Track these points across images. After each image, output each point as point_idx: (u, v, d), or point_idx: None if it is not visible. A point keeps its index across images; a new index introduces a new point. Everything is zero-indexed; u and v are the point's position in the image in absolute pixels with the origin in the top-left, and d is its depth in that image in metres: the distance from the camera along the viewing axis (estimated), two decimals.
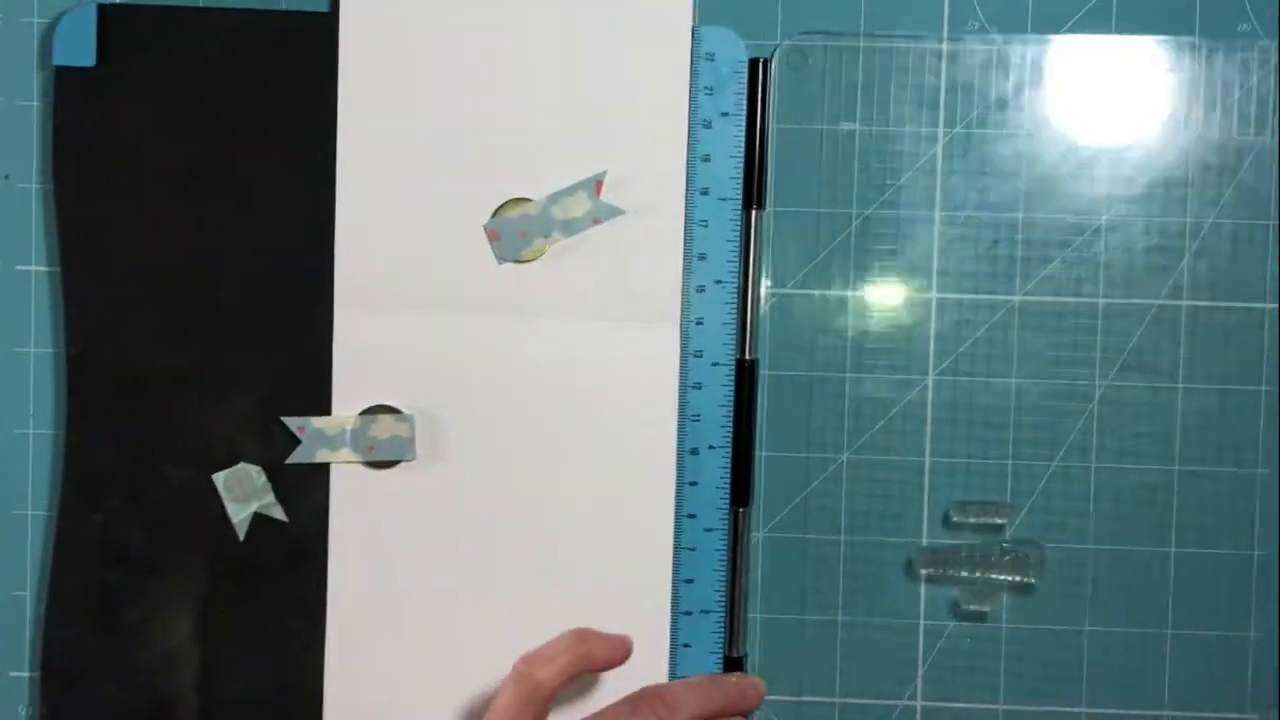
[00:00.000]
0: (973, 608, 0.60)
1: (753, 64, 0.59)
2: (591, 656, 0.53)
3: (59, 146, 0.58)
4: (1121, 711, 0.60)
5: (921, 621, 0.60)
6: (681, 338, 0.59)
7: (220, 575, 0.59)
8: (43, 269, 0.60)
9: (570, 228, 0.58)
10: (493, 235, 0.58)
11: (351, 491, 0.59)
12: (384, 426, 0.59)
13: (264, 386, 0.59)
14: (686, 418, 0.59)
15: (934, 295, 0.60)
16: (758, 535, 0.60)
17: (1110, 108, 0.59)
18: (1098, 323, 0.59)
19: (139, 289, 0.59)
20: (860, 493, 0.60)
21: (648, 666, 0.58)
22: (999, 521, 0.59)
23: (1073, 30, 0.59)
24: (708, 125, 0.59)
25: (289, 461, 0.59)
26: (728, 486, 0.59)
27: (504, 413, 0.59)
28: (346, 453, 0.59)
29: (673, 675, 0.59)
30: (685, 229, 0.59)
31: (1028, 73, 0.59)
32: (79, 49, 0.58)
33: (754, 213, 0.59)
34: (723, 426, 0.59)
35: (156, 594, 0.59)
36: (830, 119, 0.60)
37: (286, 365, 0.59)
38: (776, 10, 0.60)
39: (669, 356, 0.59)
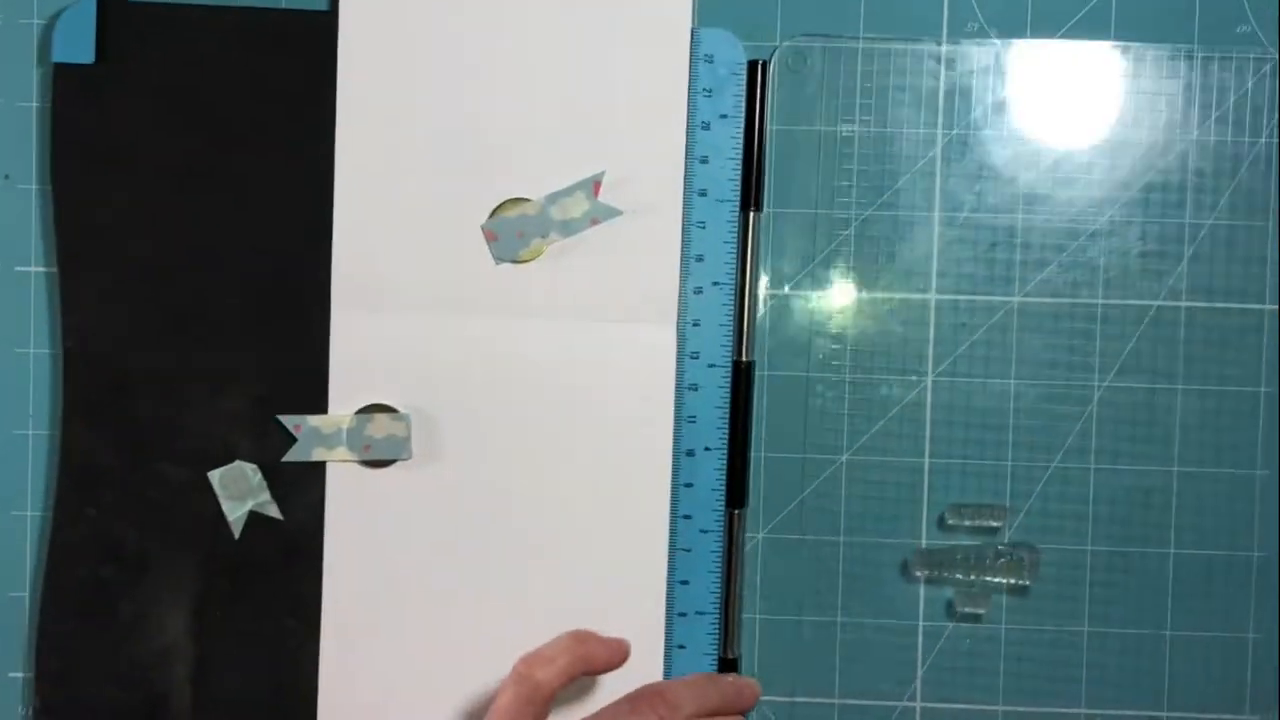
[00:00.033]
0: (968, 610, 0.59)
1: (751, 66, 0.59)
2: (591, 658, 0.53)
3: (57, 143, 0.59)
4: (1121, 712, 0.60)
5: (920, 622, 0.60)
6: (678, 339, 0.59)
7: (215, 573, 0.59)
8: (41, 270, 0.60)
9: (568, 228, 0.58)
10: (490, 235, 0.58)
11: (347, 490, 0.59)
12: (380, 425, 0.59)
13: (261, 385, 0.59)
14: (683, 419, 0.59)
15: (932, 297, 0.60)
16: (756, 536, 0.60)
17: (1109, 110, 0.59)
18: (1096, 325, 0.59)
19: (136, 285, 0.59)
20: (858, 494, 0.60)
21: (642, 667, 0.57)
22: (994, 524, 0.59)
23: (1071, 33, 0.59)
24: (706, 127, 0.59)
25: (285, 460, 0.59)
26: (723, 488, 0.59)
27: (500, 413, 0.59)
28: (342, 451, 0.59)
29: (667, 676, 0.59)
30: (683, 230, 0.59)
31: (1026, 76, 0.59)
32: (78, 46, 0.58)
33: (752, 214, 0.59)
34: (719, 428, 0.59)
35: (151, 591, 0.59)
36: (829, 121, 0.60)
37: (283, 364, 0.59)
38: (775, 12, 0.60)
39: (666, 358, 0.59)
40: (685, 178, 0.59)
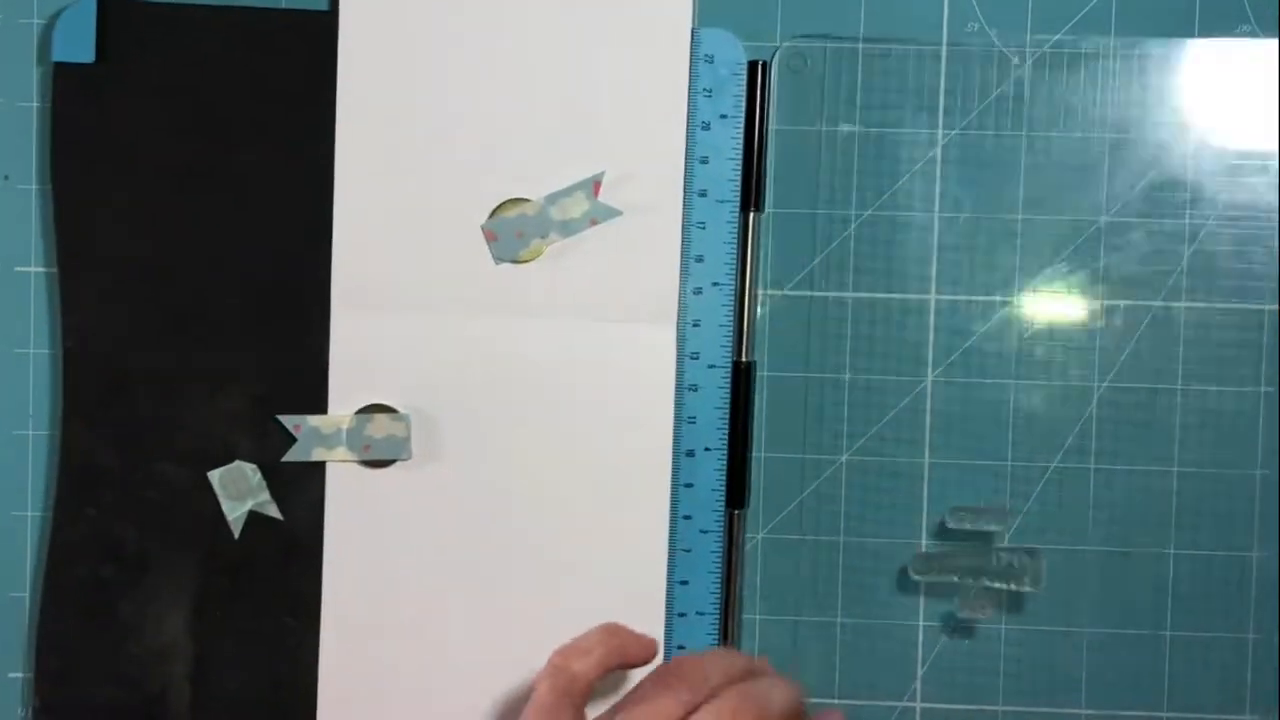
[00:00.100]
0: (967, 615, 0.59)
1: (752, 66, 0.59)
2: (624, 651, 0.53)
3: (57, 143, 0.59)
4: (1121, 712, 0.60)
5: (921, 623, 0.60)
6: (678, 339, 0.59)
7: (215, 572, 0.59)
8: (41, 270, 0.60)
9: (568, 229, 0.58)
10: (490, 235, 0.58)
11: (347, 490, 0.59)
12: (380, 425, 0.59)
13: (260, 384, 0.59)
14: (682, 419, 0.59)
15: (932, 297, 0.60)
16: (756, 537, 0.60)
17: (1109, 109, 0.59)
18: (1096, 325, 0.59)
19: (136, 285, 0.59)
20: (858, 494, 0.60)
21: (641, 667, 0.57)
22: (995, 528, 0.59)
23: (1072, 32, 0.59)
24: (706, 127, 0.59)
25: (285, 459, 0.59)
26: (723, 489, 0.59)
27: (500, 413, 0.59)
28: (342, 451, 0.59)
29: None
30: (683, 231, 0.59)
31: (1027, 75, 0.59)
32: (78, 45, 0.58)
33: (752, 215, 0.59)
34: (719, 429, 0.59)
35: (151, 590, 0.59)
36: (829, 121, 0.60)
37: (283, 364, 0.59)
38: (776, 12, 0.60)
39: (665, 358, 0.59)
40: (685, 178, 0.59)
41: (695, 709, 0.50)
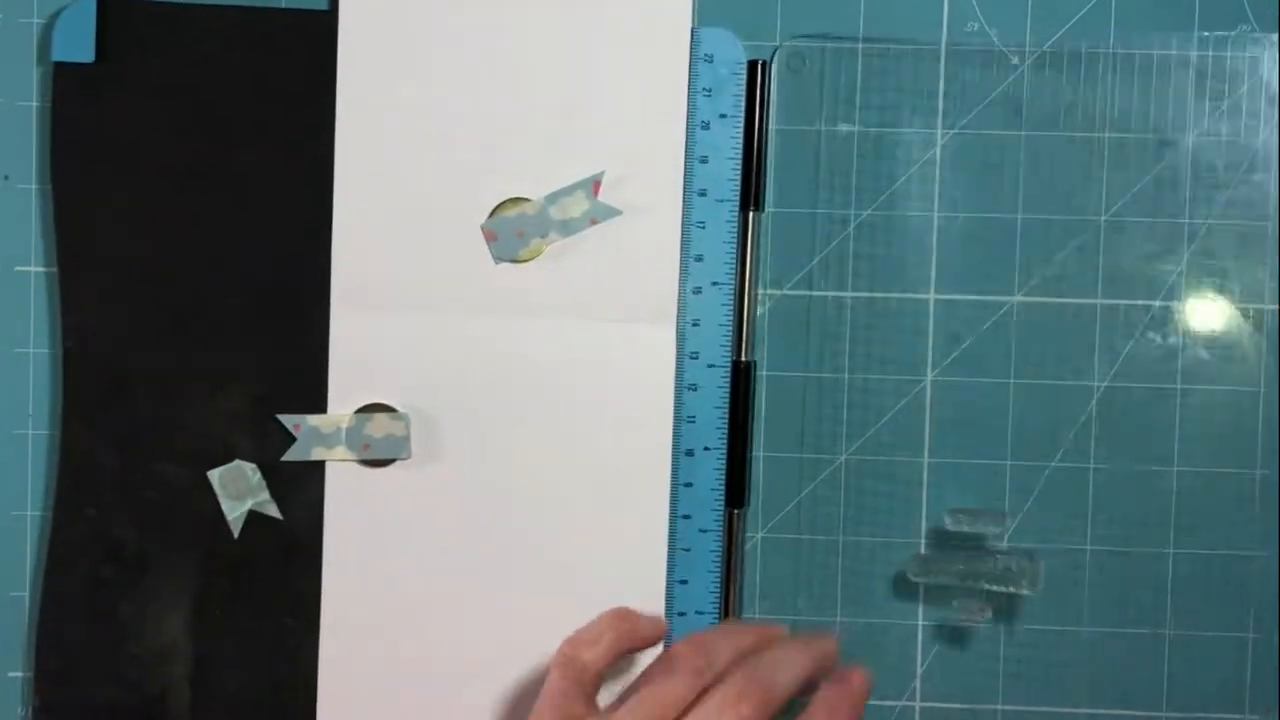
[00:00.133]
0: (965, 618, 0.59)
1: (751, 65, 0.59)
2: (634, 635, 0.53)
3: (57, 143, 0.59)
4: (1121, 712, 0.59)
5: (920, 622, 0.60)
6: (678, 339, 0.59)
7: (215, 572, 0.59)
8: (41, 270, 0.60)
9: (567, 228, 0.58)
10: (490, 235, 0.58)
11: (346, 489, 0.59)
12: (379, 425, 0.59)
13: (260, 384, 0.59)
14: (682, 419, 0.59)
15: (932, 297, 0.60)
16: (755, 536, 0.60)
17: (1109, 109, 0.59)
18: (1096, 325, 0.59)
19: (136, 285, 0.59)
20: (857, 494, 0.60)
21: (640, 667, 0.57)
22: (994, 530, 0.59)
23: (1072, 33, 0.59)
24: (706, 127, 0.59)
25: (284, 459, 0.59)
26: (723, 488, 0.59)
27: (500, 412, 0.59)
28: (342, 451, 0.59)
29: None
30: (682, 230, 0.59)
31: (1026, 75, 0.59)
32: (78, 45, 0.58)
33: (751, 214, 0.59)
34: (718, 428, 0.59)
35: (151, 590, 0.59)
36: (828, 120, 0.60)
37: (283, 363, 0.59)
38: (775, 12, 0.60)
39: (665, 358, 0.59)
40: (685, 177, 0.59)
41: (704, 691, 0.50)
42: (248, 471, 0.59)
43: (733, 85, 0.59)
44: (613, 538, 0.58)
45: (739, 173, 0.59)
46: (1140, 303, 0.59)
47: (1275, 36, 0.59)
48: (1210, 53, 0.59)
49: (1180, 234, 0.59)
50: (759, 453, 0.60)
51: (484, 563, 0.59)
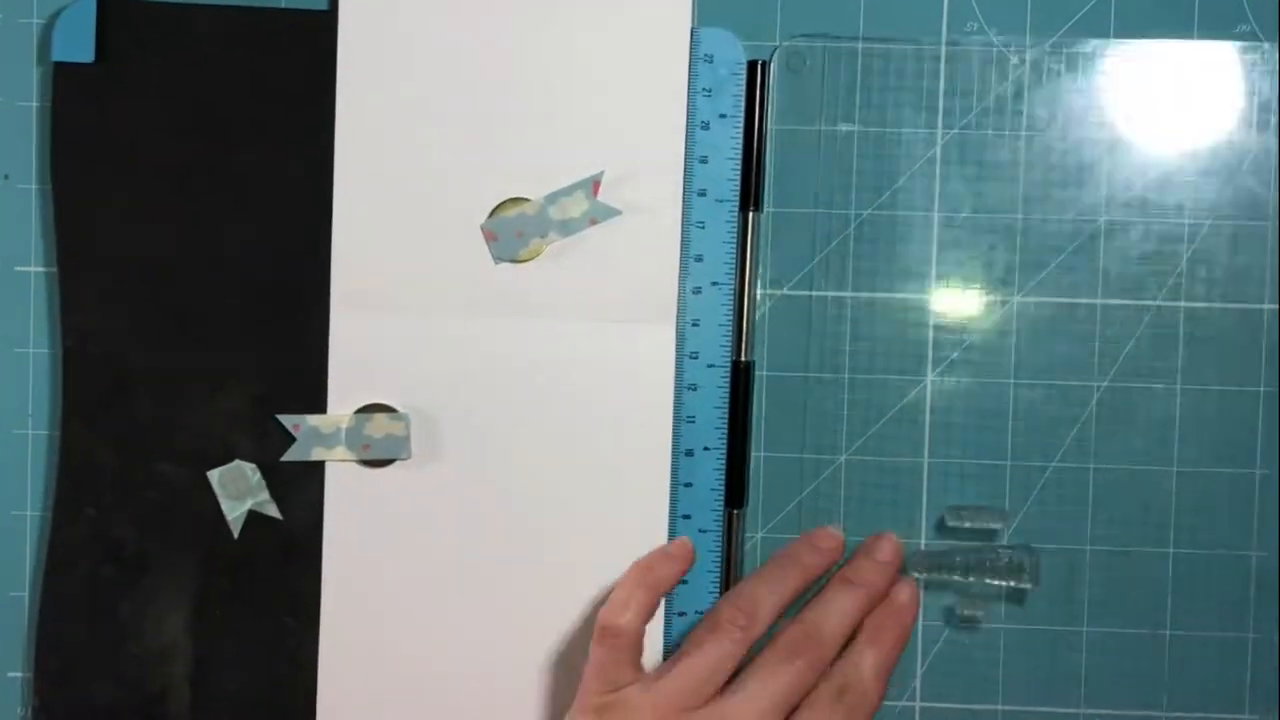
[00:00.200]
0: (966, 613, 0.59)
1: (751, 66, 0.59)
2: (662, 581, 0.55)
3: (57, 143, 0.59)
4: (1121, 712, 0.59)
5: (920, 622, 0.60)
6: (677, 339, 0.59)
7: (214, 572, 0.59)
8: (41, 270, 0.60)
9: (567, 228, 0.58)
10: (489, 235, 0.58)
11: (346, 490, 0.59)
12: (379, 425, 0.59)
13: (260, 384, 0.59)
14: (682, 419, 0.59)
15: (932, 297, 0.60)
16: (755, 536, 0.60)
17: (1108, 109, 0.59)
18: (1096, 325, 0.59)
19: (136, 285, 0.59)
20: (857, 494, 0.60)
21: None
22: (994, 526, 0.59)
23: (1071, 32, 0.59)
24: (705, 127, 0.59)
25: (284, 459, 0.59)
26: (723, 488, 0.59)
27: (499, 412, 0.59)
28: (341, 451, 0.59)
29: None
30: (682, 230, 0.59)
31: (1026, 74, 0.59)
32: (78, 45, 0.58)
33: (751, 214, 0.59)
34: (718, 428, 0.59)
35: (150, 590, 0.59)
36: (828, 120, 0.59)
37: (283, 363, 0.59)
38: (775, 12, 0.60)
39: (665, 358, 0.59)
40: (685, 177, 0.59)
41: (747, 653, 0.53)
42: (248, 471, 0.59)
43: (733, 85, 0.59)
44: (613, 538, 0.58)
45: (739, 173, 0.59)
46: (1140, 303, 0.59)
47: (1275, 36, 0.59)
48: (1209, 54, 0.59)
49: (1180, 234, 0.59)
50: (759, 453, 0.60)
51: (484, 562, 0.59)
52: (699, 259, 0.59)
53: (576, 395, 0.59)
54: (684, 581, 0.59)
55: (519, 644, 0.59)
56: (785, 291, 0.60)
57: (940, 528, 0.60)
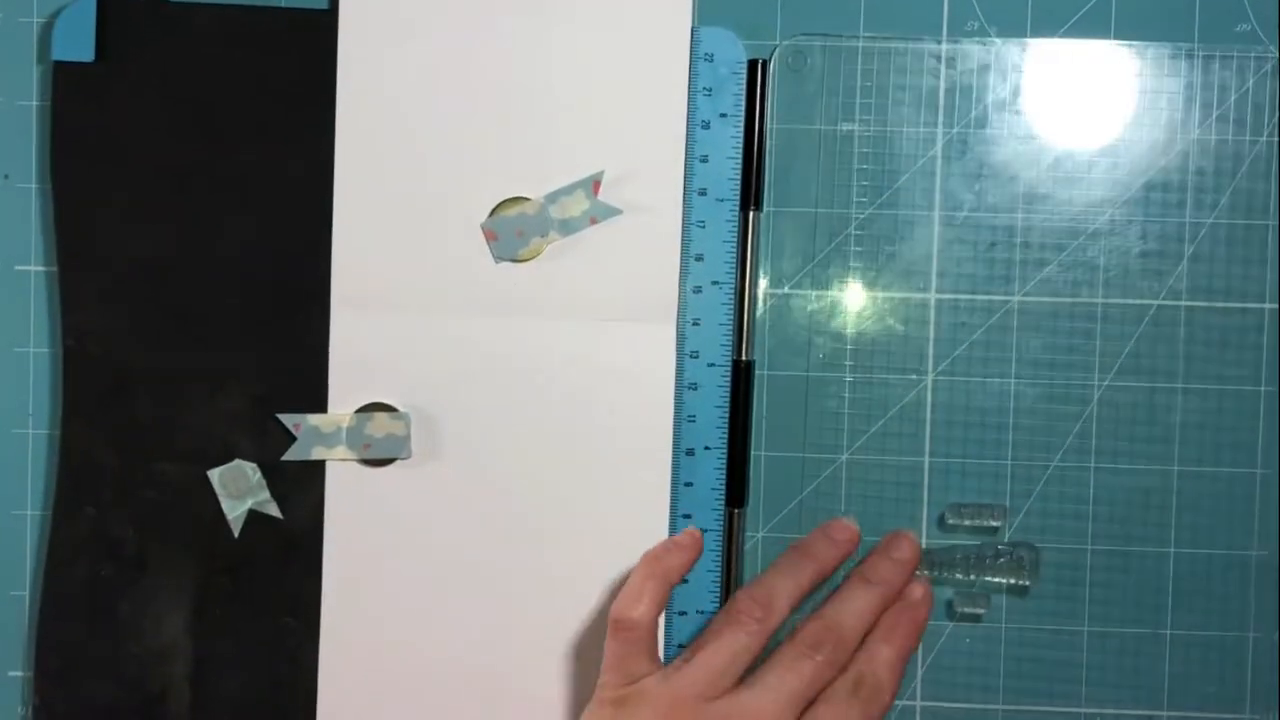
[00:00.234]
0: (967, 610, 0.59)
1: (751, 65, 0.59)
2: (670, 571, 0.55)
3: (57, 142, 0.59)
4: (1121, 712, 0.60)
5: None
6: (678, 338, 0.59)
7: (215, 572, 0.59)
8: (41, 269, 0.60)
9: (567, 227, 0.58)
10: (490, 234, 0.58)
11: (347, 489, 0.59)
12: (379, 424, 0.59)
13: (260, 383, 0.59)
14: (682, 418, 0.59)
15: (932, 296, 0.60)
16: (755, 536, 0.60)
17: (1109, 109, 0.59)
18: (1096, 324, 0.59)
19: (136, 285, 0.59)
20: (858, 494, 0.60)
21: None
22: (994, 524, 0.59)
23: (1072, 32, 0.59)
24: (706, 126, 0.59)
25: (284, 458, 0.59)
26: (723, 487, 0.59)
27: (500, 412, 0.59)
28: (342, 450, 0.59)
29: None
30: (683, 229, 0.59)
31: (1026, 74, 0.59)
32: (78, 44, 0.58)
33: (751, 213, 0.59)
34: (718, 427, 0.59)
35: (150, 590, 0.59)
36: (829, 120, 0.59)
37: (283, 363, 0.59)
38: (775, 11, 0.60)
39: (665, 357, 0.59)
40: (685, 177, 0.59)
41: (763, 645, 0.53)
42: (248, 471, 0.59)
43: (733, 84, 0.59)
44: (613, 537, 0.58)
45: (739, 172, 0.59)
46: (1140, 303, 0.59)
47: (1275, 36, 0.59)
48: (1209, 55, 0.59)
49: (1180, 234, 0.59)
50: (759, 452, 0.60)
51: (484, 562, 0.59)
52: (699, 258, 0.59)
53: (577, 394, 0.59)
54: (684, 581, 0.59)
55: (519, 643, 0.59)
56: (786, 291, 0.60)
57: (941, 526, 0.60)
